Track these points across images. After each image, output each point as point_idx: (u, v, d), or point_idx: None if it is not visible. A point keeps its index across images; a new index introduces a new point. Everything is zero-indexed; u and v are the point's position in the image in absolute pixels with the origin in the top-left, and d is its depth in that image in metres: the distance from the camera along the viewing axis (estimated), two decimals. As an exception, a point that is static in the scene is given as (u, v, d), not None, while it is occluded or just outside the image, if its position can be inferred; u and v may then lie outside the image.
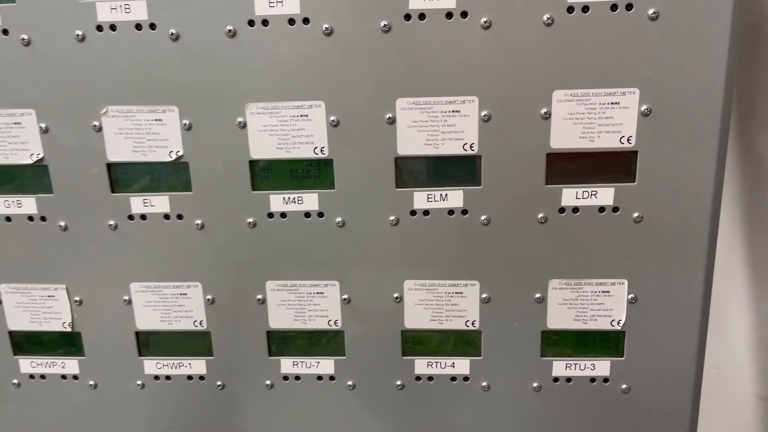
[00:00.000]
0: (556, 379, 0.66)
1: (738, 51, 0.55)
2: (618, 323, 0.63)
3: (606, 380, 0.65)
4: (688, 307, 0.62)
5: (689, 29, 0.54)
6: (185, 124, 0.60)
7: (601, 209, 0.60)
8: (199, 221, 0.63)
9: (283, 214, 0.62)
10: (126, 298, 0.67)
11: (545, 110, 0.57)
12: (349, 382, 0.67)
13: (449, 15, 0.55)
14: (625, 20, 0.54)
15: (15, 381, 0.71)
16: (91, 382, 0.70)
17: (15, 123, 0.61)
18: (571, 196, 0.60)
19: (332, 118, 0.59)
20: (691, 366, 0.64)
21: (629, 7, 0.54)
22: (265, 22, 0.56)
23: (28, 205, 0.64)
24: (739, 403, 0.92)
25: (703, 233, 0.60)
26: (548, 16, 0.54)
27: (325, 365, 0.67)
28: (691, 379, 0.64)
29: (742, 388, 0.92)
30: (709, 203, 0.59)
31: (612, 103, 0.56)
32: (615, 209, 0.60)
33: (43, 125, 0.61)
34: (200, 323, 0.67)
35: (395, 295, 0.64)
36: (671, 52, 0.55)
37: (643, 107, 0.56)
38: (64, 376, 0.71)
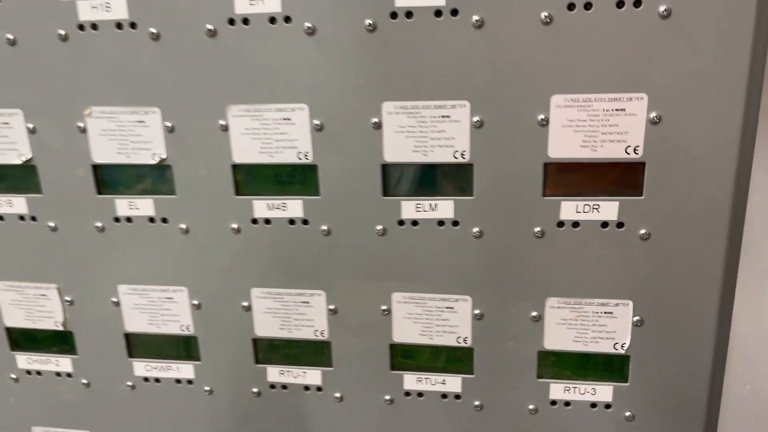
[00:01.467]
0: (553, 402, 0.62)
1: (765, 52, 0.49)
2: (622, 347, 0.58)
3: (608, 406, 0.61)
4: (702, 330, 0.57)
5: (705, 28, 0.48)
6: (168, 127, 0.58)
7: (604, 224, 0.55)
8: (183, 225, 0.61)
9: (268, 221, 0.60)
10: (114, 299, 0.66)
11: (543, 116, 0.52)
12: (337, 394, 0.65)
13: (438, 13, 0.51)
14: (633, 18, 0.49)
15: (13, 376, 0.72)
16: (84, 381, 0.70)
17: (3, 123, 0.61)
18: (570, 209, 0.55)
19: (316, 122, 0.56)
20: (702, 395, 0.58)
21: (637, 3, 0.48)
22: (245, 21, 0.54)
23: (18, 204, 0.64)
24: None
25: (719, 252, 0.54)
26: (546, 14, 0.49)
27: (312, 376, 0.65)
28: (703, 412, 0.59)
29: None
30: (726, 220, 0.53)
31: (617, 110, 0.51)
32: (619, 225, 0.55)
33: (31, 125, 0.60)
34: (187, 328, 0.66)
35: (383, 307, 0.61)
36: (685, 54, 0.49)
37: (652, 114, 0.51)
38: (58, 374, 0.71)
